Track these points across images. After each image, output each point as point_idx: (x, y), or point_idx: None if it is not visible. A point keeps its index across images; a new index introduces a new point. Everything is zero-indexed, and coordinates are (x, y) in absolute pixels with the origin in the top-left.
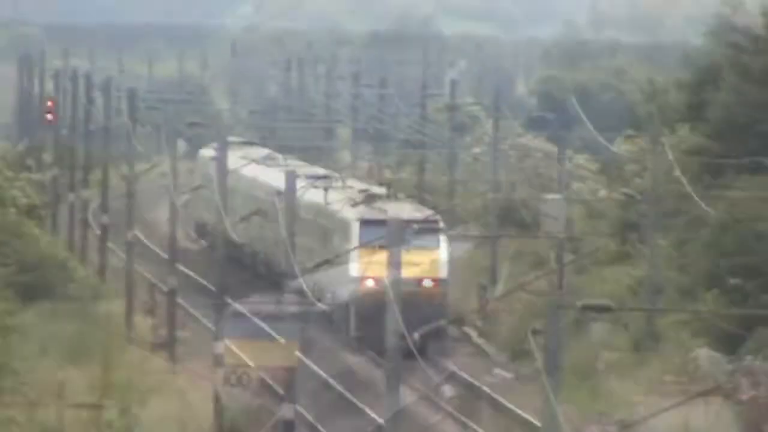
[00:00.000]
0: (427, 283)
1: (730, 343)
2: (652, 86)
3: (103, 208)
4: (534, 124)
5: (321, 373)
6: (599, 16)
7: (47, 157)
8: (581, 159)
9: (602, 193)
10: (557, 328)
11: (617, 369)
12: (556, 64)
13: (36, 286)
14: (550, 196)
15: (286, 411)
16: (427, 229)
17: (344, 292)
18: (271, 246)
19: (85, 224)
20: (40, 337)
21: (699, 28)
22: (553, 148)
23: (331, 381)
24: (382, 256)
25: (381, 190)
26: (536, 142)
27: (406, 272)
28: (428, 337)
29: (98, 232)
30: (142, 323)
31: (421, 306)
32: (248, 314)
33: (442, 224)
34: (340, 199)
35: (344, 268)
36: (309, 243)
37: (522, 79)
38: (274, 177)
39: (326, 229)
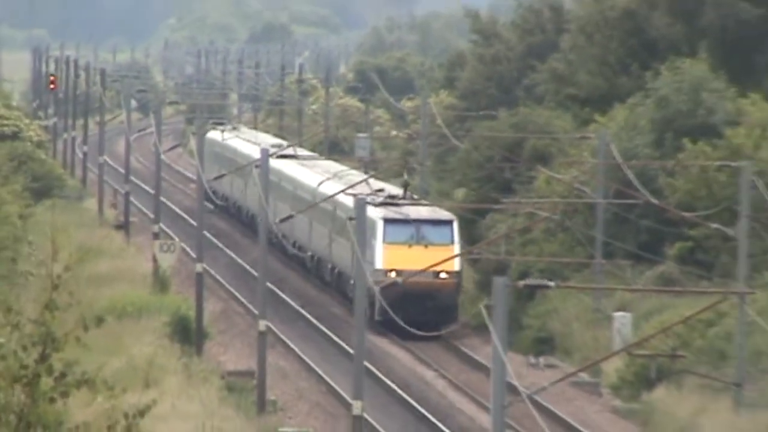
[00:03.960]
0: (443, 275)
1: (472, 226)
2: (423, 67)
3: (84, 141)
4: (350, 91)
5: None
6: (392, 23)
7: (50, 111)
8: (380, 112)
9: (393, 133)
10: (363, 223)
11: None
12: (365, 53)
13: (43, 190)
14: (360, 135)
15: (197, 267)
16: (443, 227)
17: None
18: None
19: (73, 152)
20: (45, 222)
21: (454, 31)
22: (362, 106)
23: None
24: (403, 251)
25: (399, 192)
26: (352, 102)
27: (426, 266)
28: (443, 320)
29: (81, 156)
30: (109, 213)
31: (438, 295)
32: None
33: (456, 223)
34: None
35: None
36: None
37: (343, 63)
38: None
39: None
